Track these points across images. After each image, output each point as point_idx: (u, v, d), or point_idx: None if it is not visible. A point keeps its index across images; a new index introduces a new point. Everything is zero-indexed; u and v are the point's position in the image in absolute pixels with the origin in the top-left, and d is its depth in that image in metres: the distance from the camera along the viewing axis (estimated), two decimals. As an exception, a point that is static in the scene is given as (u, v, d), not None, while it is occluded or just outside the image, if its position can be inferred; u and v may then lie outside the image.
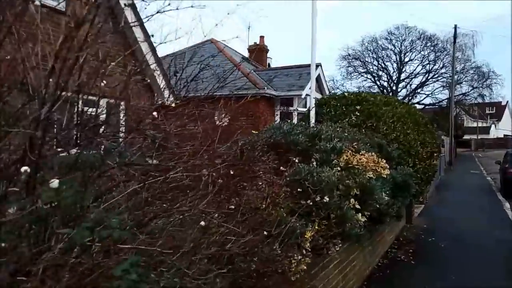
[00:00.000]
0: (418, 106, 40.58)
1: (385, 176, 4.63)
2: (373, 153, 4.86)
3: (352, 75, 40.37)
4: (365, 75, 40.82)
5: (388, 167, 4.64)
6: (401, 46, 39.59)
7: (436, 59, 38.88)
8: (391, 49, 40.03)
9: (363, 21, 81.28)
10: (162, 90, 12.15)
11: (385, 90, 39.19)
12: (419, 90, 41.17)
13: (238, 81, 16.76)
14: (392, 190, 6.44)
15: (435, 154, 8.19)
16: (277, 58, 42.63)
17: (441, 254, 7.85)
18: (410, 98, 40.55)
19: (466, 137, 52.67)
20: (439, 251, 8.05)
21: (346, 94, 8.43)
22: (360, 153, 4.87)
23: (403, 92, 40.56)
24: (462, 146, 50.69)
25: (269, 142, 4.13)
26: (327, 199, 3.24)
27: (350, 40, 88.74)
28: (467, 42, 38.86)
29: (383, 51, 40.08)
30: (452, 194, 16.23)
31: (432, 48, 38.64)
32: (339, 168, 4.02)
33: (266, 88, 15.96)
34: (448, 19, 76.45)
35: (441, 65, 38.98)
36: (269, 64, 23.00)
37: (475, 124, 60.16)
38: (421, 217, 11.28)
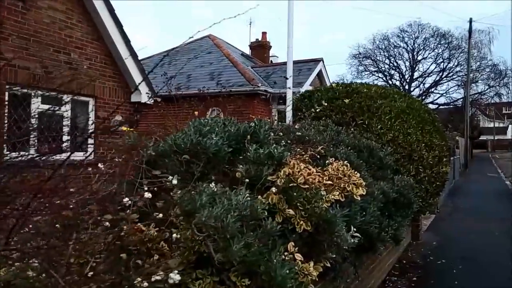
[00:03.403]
0: (432, 106, 38.34)
1: (358, 198, 2.94)
2: (346, 162, 3.19)
3: (363, 74, 38.32)
4: (377, 74, 38.73)
5: (363, 183, 2.96)
6: (414, 44, 37.37)
7: (451, 57, 36.54)
8: (403, 47, 37.84)
9: (375, 20, 78.48)
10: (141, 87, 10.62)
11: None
12: (433, 89, 38.85)
13: (233, 78, 15.20)
14: (383, 209, 4.75)
15: (444, 159, 6.40)
16: (283, 55, 40.92)
17: (453, 285, 6.10)
18: (423, 97, 38.30)
19: (482, 137, 49.83)
20: (450, 280, 6.28)
21: (333, 85, 6.73)
22: (327, 162, 3.21)
23: (416, 92, 38.35)
24: (478, 147, 47.99)
25: (171, 150, 2.51)
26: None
27: (362, 39, 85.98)
28: (483, 39, 36.46)
29: (395, 49, 37.90)
30: (468, 201, 14.24)
31: (446, 45, 36.30)
32: (274, 190, 2.38)
33: (261, 84, 14.31)
34: (464, 15, 72.72)
35: (455, 63, 36.63)
36: (271, 61, 21.35)
37: (491, 125, 57.09)
38: (430, 231, 9.44)
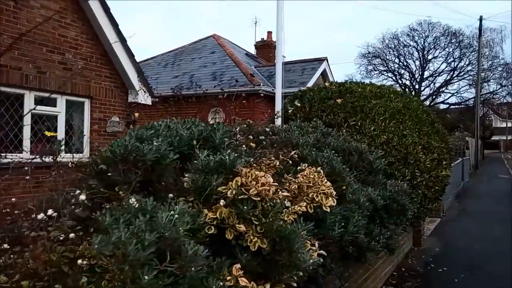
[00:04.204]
0: (442, 106, 37.57)
1: (328, 210, 2.61)
2: (319, 169, 2.86)
3: (372, 73, 37.64)
4: (386, 74, 38.01)
5: (333, 192, 2.63)
6: (424, 42, 36.57)
7: (462, 56, 35.67)
8: (413, 46, 37.06)
9: (384, 19, 77.18)
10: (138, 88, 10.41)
11: (407, 89, 36.25)
12: (443, 89, 37.98)
13: (235, 78, 14.91)
14: (374, 217, 4.41)
15: (444, 162, 5.98)
16: (290, 55, 40.52)
17: (453, 296, 5.70)
18: (434, 97, 37.53)
19: (494, 138, 48.63)
20: (451, 290, 5.89)
21: (327, 84, 6.38)
22: (299, 168, 2.89)
23: (426, 91, 37.58)
24: (490, 147, 46.84)
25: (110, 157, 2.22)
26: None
27: (371, 38, 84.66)
28: (494, 38, 35.50)
29: (404, 48, 37.14)
30: (476, 203, 13.70)
31: (457, 44, 35.44)
32: (222, 203, 2.07)
33: (262, 84, 13.99)
34: (475, 13, 70.41)
35: (467, 62, 35.73)
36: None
37: (504, 124, 55.72)
38: (434, 236, 9.00)
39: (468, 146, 23.45)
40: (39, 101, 8.25)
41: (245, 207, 2.04)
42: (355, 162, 4.56)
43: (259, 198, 2.08)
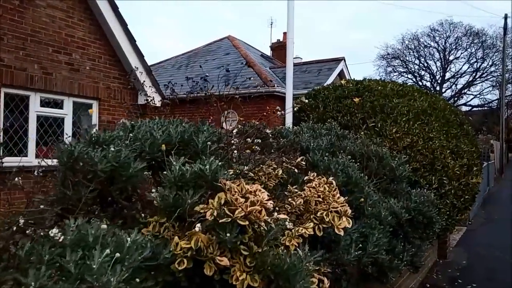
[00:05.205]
0: (464, 108, 36.22)
1: (341, 233, 2.06)
2: (330, 179, 2.31)
3: (391, 75, 36.56)
4: (406, 75, 36.90)
5: (348, 211, 2.07)
6: (445, 43, 35.35)
7: (485, 56, 34.33)
8: (434, 47, 35.87)
9: (404, 18, 75.25)
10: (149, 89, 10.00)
11: (427, 91, 35.01)
12: (466, 91, 36.64)
13: (249, 79, 14.42)
14: (397, 231, 3.84)
15: (475, 168, 5.31)
16: (306, 56, 39.81)
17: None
18: (456, 99, 36.22)
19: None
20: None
21: (343, 82, 5.79)
22: (305, 178, 2.34)
23: (448, 93, 36.30)
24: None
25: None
26: None
27: (390, 38, 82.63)
28: (520, 37, 33.96)
29: (425, 49, 35.99)
30: (504, 210, 12.79)
31: (480, 44, 34.12)
32: (198, 229, 1.55)
33: (276, 85, 13.45)
34: (499, 11, 67.29)
35: (490, 63, 34.35)
36: (292, 63, 20.40)
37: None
38: (460, 246, 8.26)
39: (493, 150, 22.35)
40: (45, 103, 7.91)
41: (229, 235, 1.51)
42: (375, 168, 3.98)
43: (247, 222, 1.55)
